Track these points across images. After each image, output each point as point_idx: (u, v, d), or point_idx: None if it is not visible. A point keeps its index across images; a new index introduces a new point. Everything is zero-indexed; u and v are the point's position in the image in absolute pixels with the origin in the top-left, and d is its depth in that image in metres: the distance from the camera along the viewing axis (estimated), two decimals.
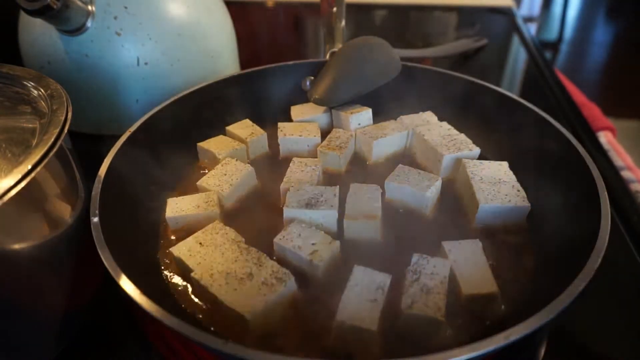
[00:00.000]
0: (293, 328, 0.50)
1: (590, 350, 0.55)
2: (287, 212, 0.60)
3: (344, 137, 0.75)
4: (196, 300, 0.53)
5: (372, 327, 0.46)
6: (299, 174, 0.67)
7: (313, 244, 0.55)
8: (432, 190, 0.63)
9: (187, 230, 0.60)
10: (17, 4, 0.66)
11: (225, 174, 0.67)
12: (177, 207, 0.62)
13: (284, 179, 0.67)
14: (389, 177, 0.65)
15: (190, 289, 0.54)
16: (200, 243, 0.55)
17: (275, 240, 0.56)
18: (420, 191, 0.62)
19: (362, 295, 0.49)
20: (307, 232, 0.57)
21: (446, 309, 0.48)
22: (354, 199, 0.61)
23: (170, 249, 0.56)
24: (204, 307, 0.52)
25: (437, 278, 0.51)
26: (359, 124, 0.79)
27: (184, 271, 0.55)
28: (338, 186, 0.63)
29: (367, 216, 0.59)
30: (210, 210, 0.61)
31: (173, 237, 0.61)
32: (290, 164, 0.69)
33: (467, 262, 0.53)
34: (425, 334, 0.48)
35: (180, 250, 0.55)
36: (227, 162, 0.69)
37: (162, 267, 0.57)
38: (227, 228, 0.57)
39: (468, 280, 0.51)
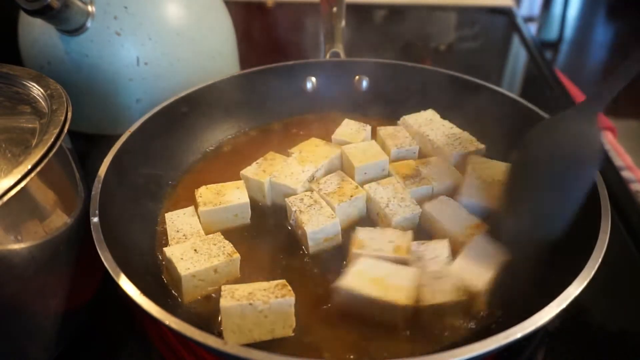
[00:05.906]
0: None
1: (590, 349, 0.55)
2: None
3: (404, 136, 0.74)
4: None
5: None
6: (349, 132, 0.74)
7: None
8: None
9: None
10: (17, 4, 0.66)
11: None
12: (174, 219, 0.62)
13: (334, 134, 0.73)
14: (428, 204, 0.62)
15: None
16: (195, 250, 0.55)
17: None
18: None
19: None
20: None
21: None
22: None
23: (163, 249, 0.56)
24: None
25: (440, 260, 0.53)
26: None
27: (172, 273, 0.54)
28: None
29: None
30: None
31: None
32: (342, 124, 0.75)
33: (478, 256, 0.54)
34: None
35: (173, 252, 0.54)
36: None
37: (162, 267, 0.57)
38: (226, 242, 0.57)
39: (463, 268, 0.52)
